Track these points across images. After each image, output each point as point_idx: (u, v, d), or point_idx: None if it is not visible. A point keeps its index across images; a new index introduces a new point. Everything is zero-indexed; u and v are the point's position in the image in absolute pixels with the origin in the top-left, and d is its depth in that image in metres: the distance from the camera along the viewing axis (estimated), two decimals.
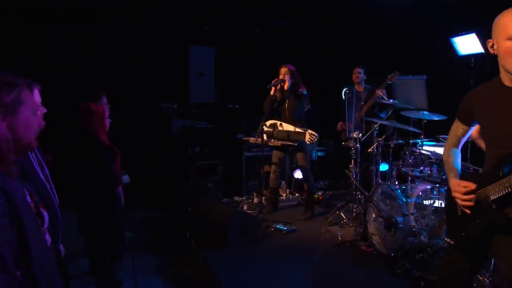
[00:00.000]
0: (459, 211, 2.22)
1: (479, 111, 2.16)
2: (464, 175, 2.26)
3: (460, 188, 2.11)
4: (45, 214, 1.79)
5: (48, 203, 2.22)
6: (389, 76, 5.69)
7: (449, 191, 2.35)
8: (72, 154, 3.48)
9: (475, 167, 4.15)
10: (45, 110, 2.42)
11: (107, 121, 3.47)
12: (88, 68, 6.37)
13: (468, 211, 2.11)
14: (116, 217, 3.45)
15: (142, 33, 6.86)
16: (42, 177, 2.27)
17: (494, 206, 1.99)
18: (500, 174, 1.95)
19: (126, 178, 3.81)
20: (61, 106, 4.40)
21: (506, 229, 2.00)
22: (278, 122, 5.67)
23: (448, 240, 2.32)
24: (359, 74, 6.08)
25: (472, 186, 2.07)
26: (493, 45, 1.97)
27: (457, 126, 2.36)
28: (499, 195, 1.94)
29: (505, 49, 1.92)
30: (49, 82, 2.78)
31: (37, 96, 2.29)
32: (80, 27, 6.44)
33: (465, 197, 2.08)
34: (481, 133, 2.24)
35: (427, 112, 4.65)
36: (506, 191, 1.90)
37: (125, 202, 3.60)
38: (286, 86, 5.51)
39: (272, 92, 5.53)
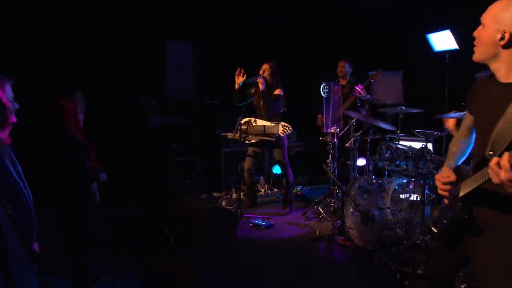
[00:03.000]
0: (443, 202, 2.21)
1: (474, 104, 2.11)
2: (457, 167, 2.18)
3: (440, 177, 2.07)
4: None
5: (22, 201, 2.18)
6: (371, 74, 5.73)
7: None
8: (45, 151, 3.42)
9: None
10: (17, 106, 2.38)
11: (80, 116, 3.42)
12: (64, 63, 6.25)
13: (446, 201, 2.12)
14: (92, 213, 3.41)
15: (120, 28, 6.77)
16: (15, 174, 2.22)
17: (459, 203, 2.01)
18: (471, 172, 1.95)
19: (103, 176, 3.77)
20: (35, 102, 4.31)
21: (468, 228, 2.01)
22: (253, 119, 5.67)
23: (433, 229, 2.29)
24: (343, 68, 6.10)
25: (452, 177, 2.03)
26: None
27: (467, 116, 2.27)
28: (466, 191, 1.94)
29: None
30: (24, 78, 2.73)
31: (9, 91, 2.25)
32: (56, 21, 6.32)
33: (442, 186, 2.05)
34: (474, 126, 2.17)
35: (404, 107, 4.72)
36: (472, 188, 1.89)
37: (102, 198, 3.56)
38: (260, 88, 5.49)
39: (236, 87, 5.51)
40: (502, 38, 1.82)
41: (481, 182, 1.78)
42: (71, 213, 3.32)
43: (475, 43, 1.95)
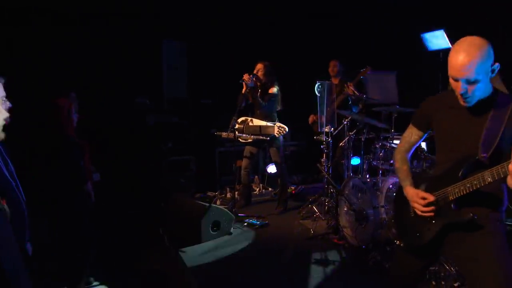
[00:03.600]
0: (413, 213, 2.28)
1: (437, 118, 2.25)
2: (416, 177, 2.33)
3: (419, 199, 2.17)
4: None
5: (14, 201, 2.17)
6: (361, 71, 5.76)
7: (398, 194, 2.45)
8: (39, 150, 3.41)
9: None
10: (10, 105, 2.36)
11: (74, 116, 3.41)
12: (59, 63, 6.22)
13: (420, 212, 2.19)
14: (86, 214, 3.40)
15: (115, 28, 6.74)
16: (7, 174, 2.20)
17: (453, 206, 2.10)
18: (460, 175, 2.06)
19: (96, 176, 3.76)
20: (29, 102, 4.30)
21: (461, 228, 2.10)
22: (249, 119, 5.68)
23: (398, 242, 2.39)
24: (334, 67, 6.15)
25: (430, 198, 2.14)
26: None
27: (411, 132, 2.42)
28: (459, 195, 2.06)
29: (451, 83, 2.05)
30: (18, 77, 2.72)
31: (0, 90, 2.24)
32: (51, 21, 6.29)
33: (425, 209, 2.16)
34: (438, 138, 2.29)
35: (398, 106, 4.74)
36: (466, 191, 2.02)
37: (96, 199, 3.56)
38: (260, 73, 5.50)
39: (243, 91, 5.52)
40: (492, 71, 2.00)
41: (484, 183, 1.95)
42: (65, 214, 3.31)
43: (467, 97, 2.02)
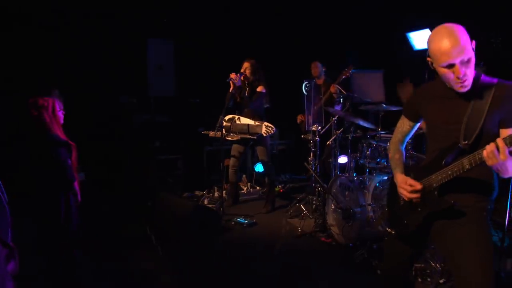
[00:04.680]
0: (402, 201, 2.34)
1: (425, 108, 2.29)
2: (408, 168, 2.39)
3: (406, 186, 2.21)
4: None
5: None
6: (344, 70, 5.79)
7: (391, 184, 2.48)
8: (25, 150, 3.37)
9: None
10: None
11: (60, 114, 3.37)
12: (44, 62, 6.17)
13: (409, 200, 2.25)
14: (72, 213, 3.37)
15: (100, 26, 6.70)
16: None
17: (436, 194, 2.14)
18: (443, 163, 2.10)
19: (81, 176, 3.73)
20: (15, 101, 4.25)
21: (445, 216, 2.15)
22: (236, 117, 5.67)
23: (389, 230, 2.46)
24: (315, 68, 6.21)
25: (417, 186, 2.17)
26: (432, 63, 2.07)
27: (403, 123, 2.49)
28: (441, 182, 2.10)
29: (442, 74, 2.04)
30: (2, 76, 2.69)
31: None
32: (35, 20, 6.23)
33: (411, 195, 2.19)
34: (428, 127, 2.34)
35: (384, 105, 4.77)
36: (449, 178, 2.06)
37: (82, 198, 3.53)
38: (231, 89, 5.49)
39: (231, 89, 5.51)
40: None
41: (463, 170, 1.99)
42: (51, 213, 3.28)
43: (466, 79, 2.01)
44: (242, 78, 5.53)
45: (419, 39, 5.85)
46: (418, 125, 2.48)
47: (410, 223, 2.28)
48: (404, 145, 2.54)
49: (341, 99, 5.75)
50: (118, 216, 5.61)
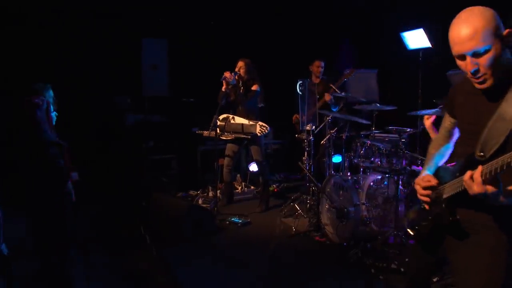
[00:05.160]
0: (423, 204, 2.13)
1: (456, 105, 2.04)
2: (438, 169, 2.12)
3: (421, 182, 2.02)
4: None
5: None
6: (345, 72, 5.79)
7: None
8: (17, 150, 3.36)
9: (423, 157, 4.30)
10: None
11: (53, 115, 3.36)
12: (38, 62, 6.13)
13: (426, 206, 2.05)
14: (66, 214, 3.36)
15: (94, 26, 6.67)
16: None
17: (443, 206, 1.92)
18: (457, 174, 1.84)
19: (74, 175, 3.72)
20: (6, 101, 4.22)
21: (452, 231, 1.93)
22: (231, 116, 5.67)
23: (409, 230, 2.26)
24: (319, 67, 6.19)
25: (433, 181, 1.96)
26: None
27: (445, 118, 2.21)
28: (450, 194, 1.87)
29: (460, 66, 1.79)
30: None
31: None
32: (30, 19, 6.20)
33: (423, 191, 2.01)
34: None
35: (378, 104, 4.78)
36: (455, 192, 1.82)
37: (76, 198, 3.51)
38: (223, 88, 5.49)
39: (223, 88, 5.51)
40: (506, 40, 1.69)
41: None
42: (45, 214, 3.26)
43: (480, 75, 1.73)
44: (236, 77, 5.52)
45: (412, 38, 5.87)
46: None
47: (421, 229, 2.12)
48: (452, 140, 2.21)
49: (337, 100, 5.77)
50: (112, 216, 5.60)
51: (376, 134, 5.01)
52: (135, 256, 4.35)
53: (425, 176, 2.03)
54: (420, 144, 5.35)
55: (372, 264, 3.85)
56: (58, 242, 3.37)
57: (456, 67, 1.95)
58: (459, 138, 2.09)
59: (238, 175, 6.91)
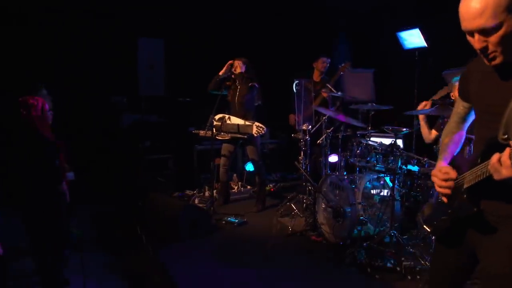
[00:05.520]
0: (439, 198, 1.97)
1: (472, 83, 1.87)
2: (454, 158, 2.00)
3: (439, 173, 1.87)
4: None
5: None
6: (340, 66, 5.80)
7: None
8: (13, 150, 3.34)
9: (419, 157, 4.32)
10: None
11: (49, 114, 3.35)
12: (34, 61, 6.11)
13: (445, 199, 1.89)
14: (61, 214, 3.35)
15: (90, 25, 6.65)
16: None
17: (464, 196, 1.77)
18: (478, 160, 1.68)
19: (70, 175, 3.71)
20: (2, 101, 4.21)
21: (475, 225, 1.79)
22: (227, 116, 5.67)
23: (425, 227, 2.13)
24: (324, 63, 6.18)
25: (452, 174, 1.82)
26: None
27: (458, 103, 2.05)
28: (471, 183, 1.71)
29: (470, 42, 1.66)
30: None
31: None
32: (27, 18, 6.17)
33: (443, 183, 1.84)
34: (474, 109, 1.95)
35: (374, 104, 4.80)
36: (478, 180, 1.66)
37: (71, 198, 3.51)
38: (238, 70, 5.51)
39: (221, 72, 5.52)
40: None
41: (489, 172, 1.57)
42: (40, 214, 3.25)
43: (491, 53, 1.62)
44: (233, 76, 5.53)
45: (409, 38, 5.88)
46: None
47: (440, 225, 1.96)
48: (465, 127, 2.09)
49: (333, 100, 5.78)
50: (109, 216, 5.58)
51: (372, 134, 5.03)
52: (132, 256, 4.35)
53: (443, 167, 1.89)
54: (416, 143, 5.37)
55: (368, 264, 3.86)
56: (53, 242, 3.35)
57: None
58: (476, 122, 1.90)
59: (235, 175, 6.91)
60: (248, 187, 6.78)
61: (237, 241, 4.77)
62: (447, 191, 1.83)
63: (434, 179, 1.90)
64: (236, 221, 5.27)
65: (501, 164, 1.47)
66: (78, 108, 6.40)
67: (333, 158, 5.75)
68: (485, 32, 1.55)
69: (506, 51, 1.58)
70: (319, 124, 5.48)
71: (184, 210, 4.79)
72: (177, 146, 6.99)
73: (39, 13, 6.29)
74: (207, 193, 6.24)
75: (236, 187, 6.68)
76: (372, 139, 4.86)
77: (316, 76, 6.24)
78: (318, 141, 5.47)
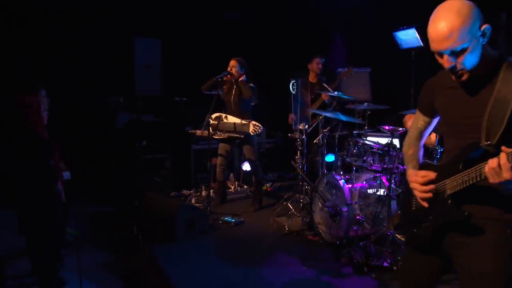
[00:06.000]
0: (414, 205, 2.05)
1: (441, 99, 1.97)
2: (422, 166, 2.09)
3: (418, 178, 1.93)
4: None
5: None
6: (342, 71, 5.78)
7: (406, 183, 2.11)
8: (7, 149, 3.33)
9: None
10: None
11: (44, 114, 3.34)
12: (29, 61, 6.08)
13: (425, 204, 1.93)
14: (57, 213, 3.34)
15: (86, 24, 6.63)
16: None
17: (449, 202, 1.82)
18: (460, 167, 1.76)
19: (66, 175, 3.70)
20: None
21: (459, 230, 1.84)
22: (223, 115, 5.67)
23: (400, 237, 2.23)
24: (319, 64, 6.16)
25: (431, 175, 1.89)
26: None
27: (418, 118, 2.17)
28: (456, 189, 1.78)
29: (438, 61, 1.80)
30: None
31: None
32: (22, 17, 6.15)
33: (424, 187, 1.90)
34: (442, 123, 2.05)
35: (371, 103, 4.80)
36: (464, 186, 1.73)
37: (67, 198, 3.50)
38: (239, 78, 5.50)
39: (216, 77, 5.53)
40: (484, 35, 1.71)
41: (481, 178, 1.65)
42: (35, 214, 3.24)
43: (459, 72, 1.75)
44: (228, 76, 5.52)
45: (405, 38, 5.89)
46: (435, 121, 2.13)
47: (420, 233, 1.98)
48: (423, 141, 2.21)
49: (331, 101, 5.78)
50: (105, 215, 5.57)
51: (368, 133, 5.03)
52: (128, 255, 4.34)
53: (419, 171, 1.97)
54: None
55: (364, 263, 3.86)
56: (48, 242, 3.34)
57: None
58: (447, 133, 2.00)
59: (231, 175, 6.90)
60: (245, 186, 6.78)
61: (234, 241, 4.77)
62: (429, 195, 1.89)
63: (413, 185, 1.96)
64: (233, 220, 5.27)
65: (501, 168, 1.54)
66: (75, 108, 6.38)
67: (330, 158, 5.75)
68: (453, 53, 1.69)
69: (472, 69, 1.72)
70: (315, 123, 5.48)
71: (181, 210, 4.78)
72: (173, 146, 6.98)
73: (36, 12, 6.28)
74: (203, 193, 6.23)
75: (232, 187, 6.67)
76: (368, 138, 4.86)
77: (312, 77, 6.22)
78: (315, 141, 5.47)
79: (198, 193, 6.30)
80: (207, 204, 5.61)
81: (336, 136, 5.23)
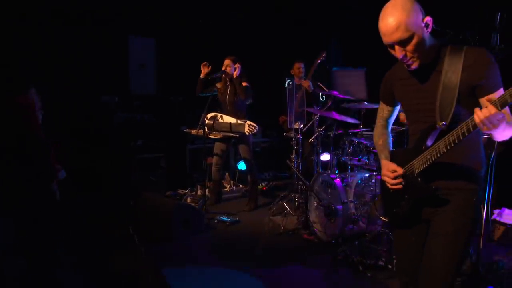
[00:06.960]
0: (391, 189, 2.23)
1: (397, 90, 2.24)
2: (392, 153, 2.32)
3: (388, 172, 2.16)
4: None
5: None
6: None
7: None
8: (2, 149, 3.31)
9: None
10: None
11: (39, 113, 3.32)
12: (22, 61, 6.05)
13: (400, 186, 2.15)
14: (51, 213, 3.32)
15: (80, 24, 6.61)
16: None
17: (419, 180, 2.06)
18: (423, 147, 2.03)
19: (62, 174, 3.69)
20: None
21: (431, 204, 2.08)
22: (219, 115, 5.67)
23: (383, 218, 2.38)
24: (299, 69, 6.16)
25: (399, 171, 2.12)
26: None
27: (382, 108, 2.43)
28: (423, 167, 2.03)
29: (392, 54, 2.04)
30: None
31: None
32: (15, 16, 6.12)
33: (393, 181, 2.14)
34: (404, 110, 2.29)
35: (366, 103, 4.82)
36: (429, 163, 1.99)
37: (62, 197, 3.48)
38: (235, 74, 5.52)
39: (202, 75, 5.57)
40: (426, 26, 1.93)
41: (440, 153, 1.92)
42: (31, 213, 3.23)
43: (409, 60, 1.99)
44: (223, 75, 5.53)
45: None
46: (398, 108, 2.40)
47: (399, 211, 2.20)
48: (390, 128, 2.47)
49: (323, 98, 5.77)
50: (100, 215, 5.56)
51: (364, 132, 5.04)
52: (123, 255, 4.33)
53: (390, 166, 2.19)
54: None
55: (360, 262, 3.87)
56: (44, 242, 3.33)
57: None
58: (409, 120, 2.24)
59: (227, 174, 6.90)
60: (240, 186, 6.78)
61: (229, 240, 4.77)
62: (400, 186, 2.14)
63: (385, 178, 2.21)
64: (228, 220, 5.27)
65: (491, 112, 1.66)
66: (69, 107, 6.36)
67: (325, 157, 5.76)
68: (402, 42, 1.92)
69: (421, 56, 1.96)
70: (311, 122, 5.49)
71: (176, 209, 4.77)
72: (169, 145, 6.97)
73: (29, 12, 6.24)
74: (199, 192, 6.23)
75: (228, 186, 6.67)
76: (364, 137, 4.88)
77: (297, 80, 6.23)
78: (310, 140, 5.48)
79: (194, 193, 6.30)
80: (203, 203, 5.61)
81: (331, 135, 5.24)
